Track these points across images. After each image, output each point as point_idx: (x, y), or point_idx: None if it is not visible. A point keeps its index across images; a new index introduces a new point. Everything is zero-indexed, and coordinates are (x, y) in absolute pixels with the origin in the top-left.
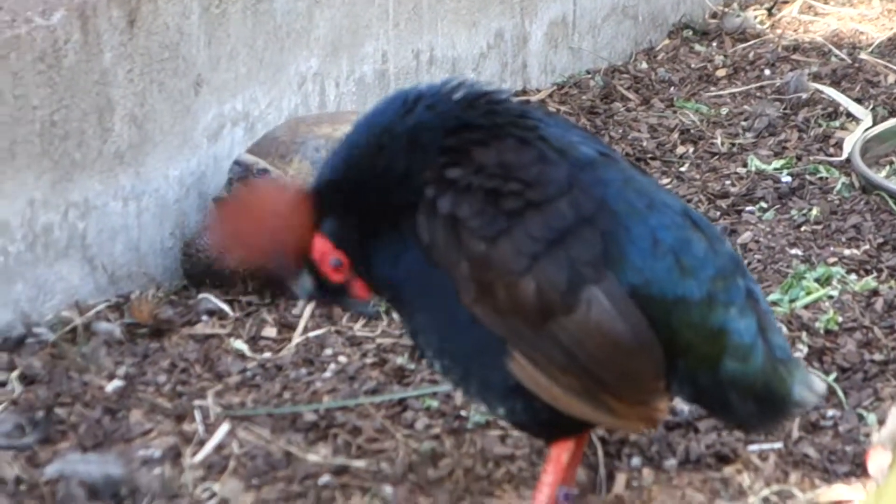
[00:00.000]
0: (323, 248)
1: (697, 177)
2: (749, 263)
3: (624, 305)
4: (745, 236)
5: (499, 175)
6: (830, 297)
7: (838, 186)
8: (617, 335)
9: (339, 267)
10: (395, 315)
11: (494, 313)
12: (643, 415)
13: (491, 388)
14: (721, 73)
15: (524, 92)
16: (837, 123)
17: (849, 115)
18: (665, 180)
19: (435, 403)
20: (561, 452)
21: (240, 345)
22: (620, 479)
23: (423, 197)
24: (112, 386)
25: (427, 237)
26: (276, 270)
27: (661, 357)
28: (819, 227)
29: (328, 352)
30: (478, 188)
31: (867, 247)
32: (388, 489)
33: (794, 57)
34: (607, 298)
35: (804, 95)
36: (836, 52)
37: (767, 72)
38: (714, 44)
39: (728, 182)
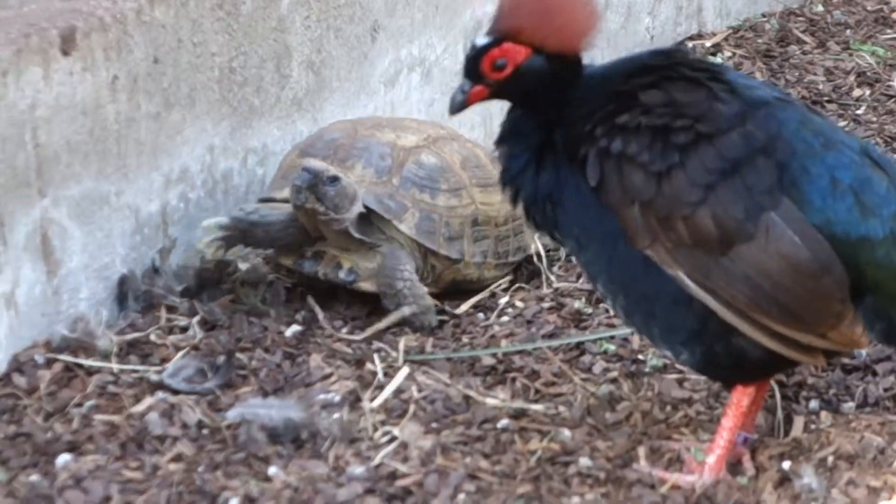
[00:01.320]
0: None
1: (874, 119)
2: None
3: (802, 229)
4: None
5: (667, 113)
6: None
7: None
8: (798, 258)
9: (502, 68)
10: (573, 260)
11: (674, 249)
12: (839, 340)
13: (674, 331)
14: None
15: (699, 35)
16: None
17: None
18: (841, 123)
19: (612, 347)
20: (742, 397)
21: None
22: (798, 422)
23: (593, 139)
24: (291, 331)
25: (596, 178)
26: None
27: (845, 278)
28: None
29: (505, 297)
30: (646, 127)
31: None
32: (566, 432)
33: None
34: (786, 223)
35: None
36: None
37: None
38: None
39: None
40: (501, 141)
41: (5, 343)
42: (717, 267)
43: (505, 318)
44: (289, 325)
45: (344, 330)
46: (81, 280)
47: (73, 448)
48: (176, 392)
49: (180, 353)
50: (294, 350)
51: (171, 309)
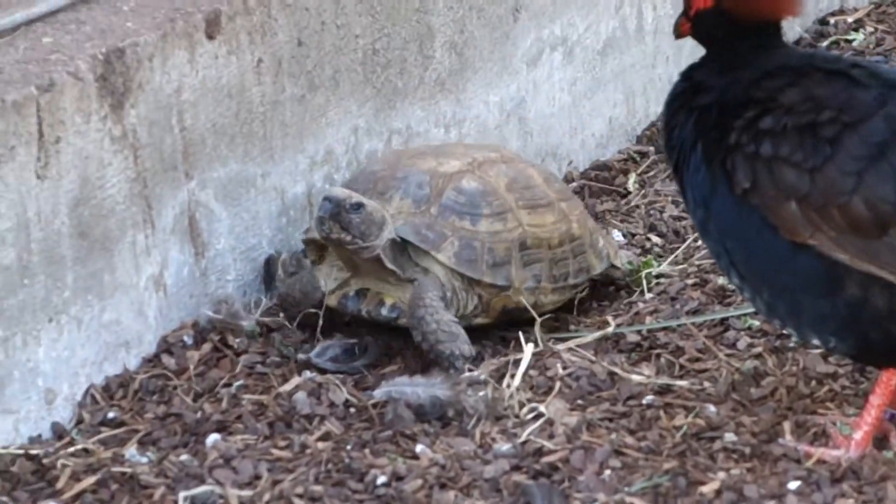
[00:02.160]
0: None
1: None
2: None
3: None
4: None
5: (810, 110)
6: None
7: None
8: None
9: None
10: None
11: (837, 237)
12: None
13: (824, 321)
14: None
15: (841, 11)
16: None
17: None
18: None
19: (756, 323)
20: (892, 376)
21: None
22: None
23: (738, 146)
24: None
25: (747, 181)
26: None
27: None
28: None
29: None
30: (793, 128)
31: None
32: (711, 408)
33: None
34: None
35: None
36: None
37: None
38: None
39: None
40: (668, 104)
41: (154, 325)
42: (883, 246)
43: (649, 296)
44: None
45: None
46: (228, 261)
47: (222, 428)
48: (323, 372)
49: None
50: None
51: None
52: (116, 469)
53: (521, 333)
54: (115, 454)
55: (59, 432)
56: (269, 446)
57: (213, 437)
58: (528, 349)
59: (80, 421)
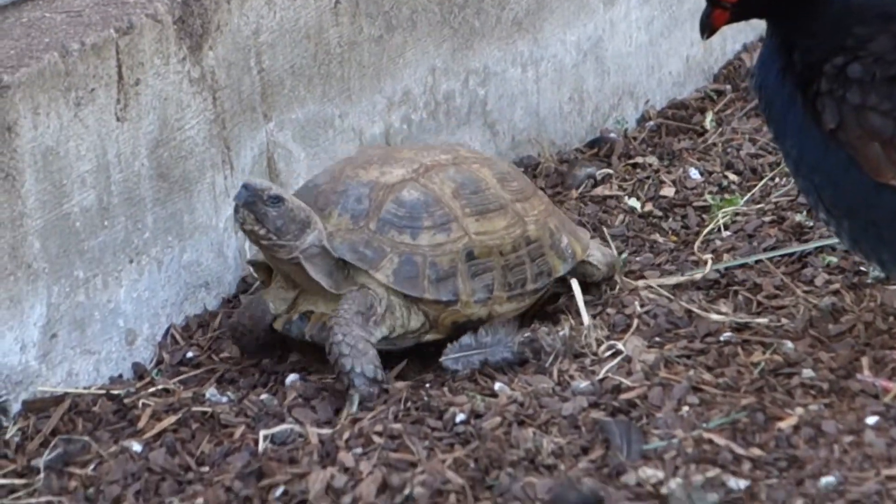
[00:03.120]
0: None
1: None
2: None
3: None
4: None
5: None
6: None
7: None
8: None
9: None
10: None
11: None
12: None
13: None
14: None
15: None
16: None
17: None
18: None
19: (834, 259)
20: None
21: (633, 202)
22: None
23: (830, 91)
24: None
25: (834, 122)
26: None
27: None
28: None
29: (727, 209)
30: (881, 78)
31: None
32: (788, 344)
33: None
34: None
35: None
36: None
37: None
38: None
39: None
40: (759, 62)
41: (233, 266)
42: None
43: (727, 233)
44: None
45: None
46: None
47: (300, 368)
48: None
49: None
50: None
51: None
52: (197, 408)
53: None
54: (196, 394)
55: (139, 372)
56: None
57: (291, 377)
58: (575, 284)
59: (160, 361)
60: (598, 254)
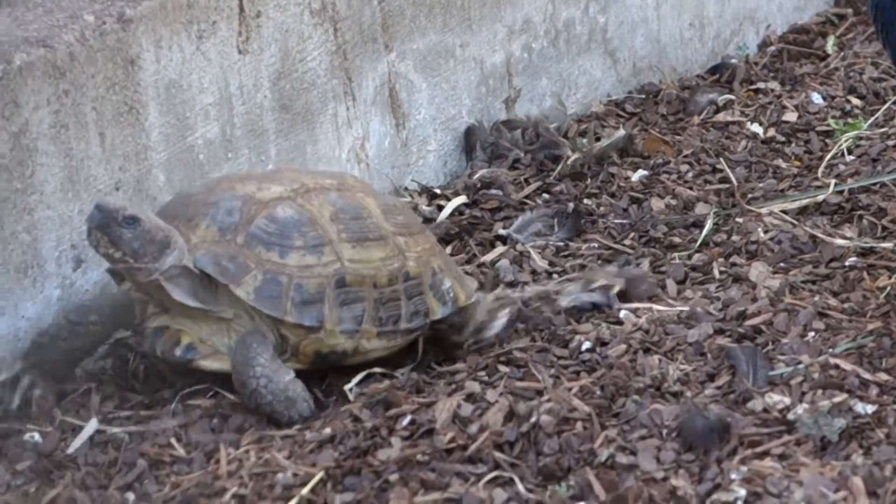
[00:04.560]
0: None
1: None
2: None
3: None
4: None
5: None
6: None
7: None
8: None
9: None
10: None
11: None
12: None
13: None
14: None
15: None
16: None
17: None
18: None
19: None
20: None
21: (756, 128)
22: None
23: None
24: (637, 175)
25: None
26: None
27: None
28: None
29: (850, 133)
30: None
31: None
32: None
33: None
34: None
35: None
36: None
37: None
38: None
39: None
40: None
41: None
42: None
43: (850, 158)
44: (635, 169)
45: (690, 174)
46: (429, 132)
47: None
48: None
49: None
50: (640, 195)
51: (516, 161)
52: None
53: (713, 197)
54: None
55: None
56: None
57: None
58: (747, 215)
59: None
60: (485, 303)
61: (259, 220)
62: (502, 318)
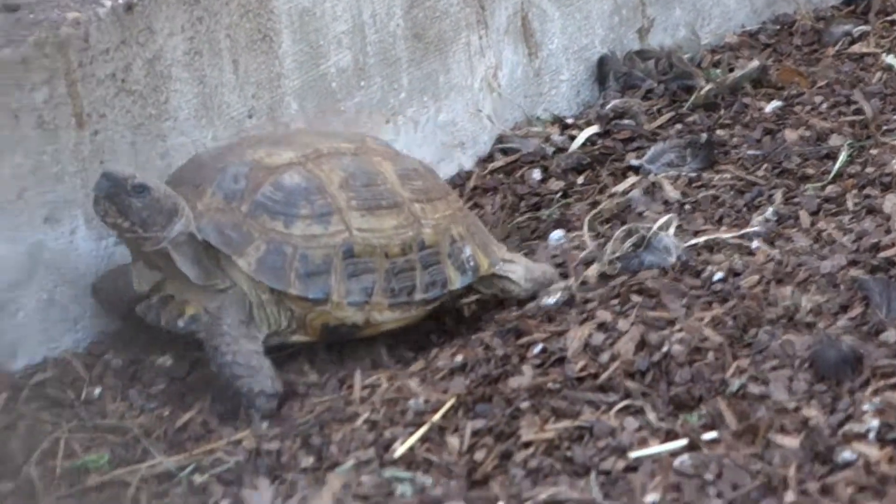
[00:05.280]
0: None
1: None
2: None
3: None
4: None
5: None
6: None
7: None
8: None
9: None
10: None
11: None
12: None
13: None
14: None
15: None
16: None
17: None
18: None
19: None
20: None
21: (891, 60)
22: None
23: None
24: (771, 107)
25: None
26: None
27: None
28: None
29: None
30: None
31: None
32: None
33: None
34: None
35: None
36: None
37: None
38: None
39: None
40: None
41: (488, 126)
42: None
43: None
44: (769, 100)
45: (824, 105)
46: (561, 62)
47: (560, 224)
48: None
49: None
50: (773, 126)
51: (649, 91)
52: None
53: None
54: None
55: None
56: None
57: (556, 233)
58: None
59: None
60: (520, 270)
61: (265, 187)
62: (554, 297)
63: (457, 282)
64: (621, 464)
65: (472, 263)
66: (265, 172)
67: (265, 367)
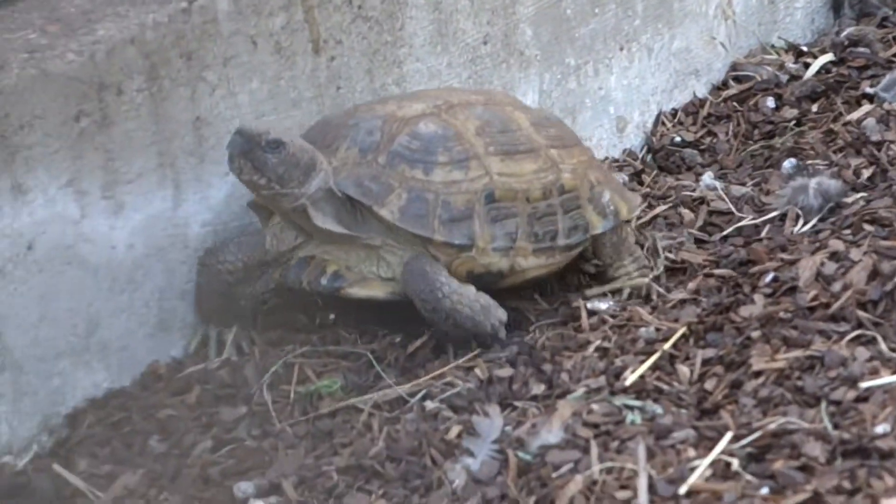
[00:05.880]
0: None
1: None
2: None
3: None
4: None
5: None
6: None
7: None
8: None
9: None
10: None
11: None
12: None
13: None
14: None
15: None
16: None
17: None
18: None
19: None
20: None
21: None
22: None
23: None
24: None
25: None
26: None
27: None
28: None
29: None
30: None
31: None
32: None
33: None
34: None
35: None
36: None
37: None
38: None
39: None
40: None
41: (723, 53)
42: None
43: None
44: None
45: None
46: None
47: (794, 153)
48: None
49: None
50: None
51: (885, 19)
52: (686, 194)
53: None
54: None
55: (632, 156)
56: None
57: (788, 162)
58: None
59: (650, 148)
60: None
61: (401, 137)
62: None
63: (599, 226)
64: (852, 394)
65: (612, 208)
66: (400, 123)
67: (490, 301)
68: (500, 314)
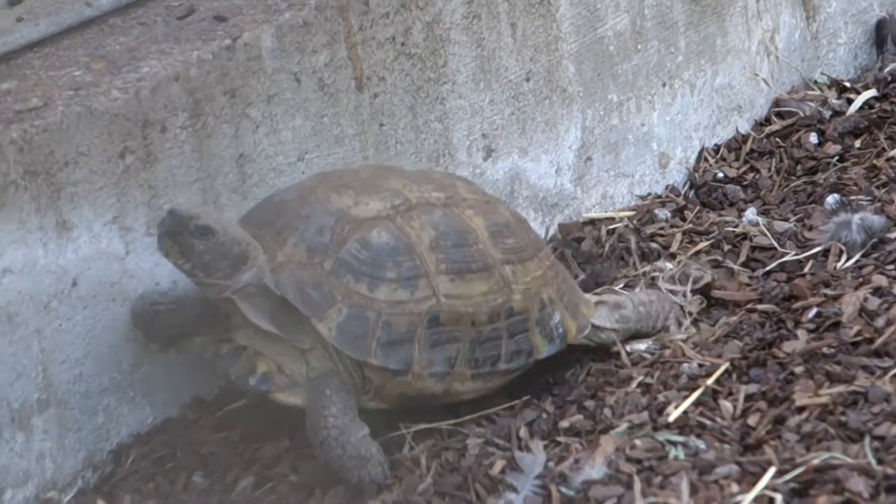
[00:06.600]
0: None
1: None
2: None
3: None
4: None
5: None
6: None
7: None
8: None
9: None
10: None
11: None
12: None
13: None
14: None
15: None
16: None
17: None
18: None
19: None
20: None
21: None
22: None
23: None
24: None
25: None
26: None
27: None
28: None
29: None
30: None
31: None
32: None
33: None
34: None
35: None
36: None
37: None
38: None
39: None
40: None
41: (765, 90)
42: None
43: None
44: None
45: None
46: (839, 24)
47: (837, 189)
48: None
49: None
50: None
51: None
52: (729, 229)
53: None
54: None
55: (674, 192)
56: None
57: (831, 198)
58: None
59: (692, 184)
60: (607, 316)
61: (351, 243)
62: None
63: (543, 350)
64: None
65: (560, 331)
66: (352, 226)
67: (373, 454)
68: (376, 473)
